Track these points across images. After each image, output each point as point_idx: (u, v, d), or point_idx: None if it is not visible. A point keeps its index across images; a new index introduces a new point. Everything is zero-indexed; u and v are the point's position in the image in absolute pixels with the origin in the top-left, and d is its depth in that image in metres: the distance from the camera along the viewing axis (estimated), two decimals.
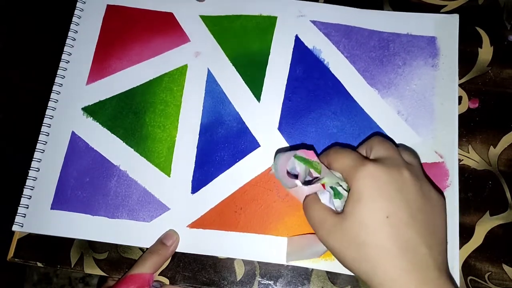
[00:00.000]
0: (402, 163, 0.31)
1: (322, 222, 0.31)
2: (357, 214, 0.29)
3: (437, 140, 0.40)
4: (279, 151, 0.40)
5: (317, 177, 0.34)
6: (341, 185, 0.32)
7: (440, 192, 0.33)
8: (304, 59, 0.43)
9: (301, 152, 0.34)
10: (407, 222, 0.28)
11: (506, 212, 0.38)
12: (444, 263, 0.29)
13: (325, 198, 0.32)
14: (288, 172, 0.34)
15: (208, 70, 0.43)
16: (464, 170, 0.39)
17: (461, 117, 0.40)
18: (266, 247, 0.38)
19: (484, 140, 0.40)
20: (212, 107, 0.42)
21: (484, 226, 0.38)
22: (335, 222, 0.30)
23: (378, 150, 0.32)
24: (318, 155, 0.34)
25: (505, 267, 0.37)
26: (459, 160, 0.39)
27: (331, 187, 0.32)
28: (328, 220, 0.30)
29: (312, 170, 0.34)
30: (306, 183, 0.33)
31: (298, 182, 0.33)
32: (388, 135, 0.40)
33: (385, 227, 0.28)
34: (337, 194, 0.32)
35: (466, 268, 0.37)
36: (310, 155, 0.33)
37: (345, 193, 0.32)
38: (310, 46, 0.43)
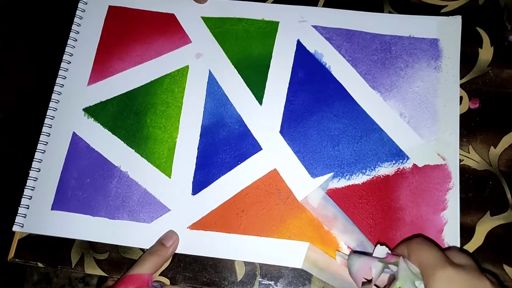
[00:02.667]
0: (481, 272, 0.30)
1: None
2: None
3: (440, 142, 0.40)
4: (353, 254, 0.36)
5: (393, 276, 0.33)
6: (416, 286, 0.31)
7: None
8: (306, 63, 0.43)
9: (388, 259, 0.33)
10: None
11: (506, 212, 0.38)
12: None
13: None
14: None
15: (210, 72, 0.43)
16: (464, 170, 0.39)
17: (462, 117, 0.40)
18: (268, 250, 0.38)
19: (485, 140, 0.40)
20: (213, 109, 0.42)
21: (484, 226, 0.38)
22: None
23: (457, 256, 0.31)
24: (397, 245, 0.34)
25: (506, 267, 0.37)
26: (460, 161, 0.39)
27: None
28: None
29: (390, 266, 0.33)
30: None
31: None
32: (391, 137, 0.40)
33: None
34: None
35: None
36: (388, 258, 0.33)
37: None
38: (311, 50, 0.43)
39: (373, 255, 0.33)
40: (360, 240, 0.37)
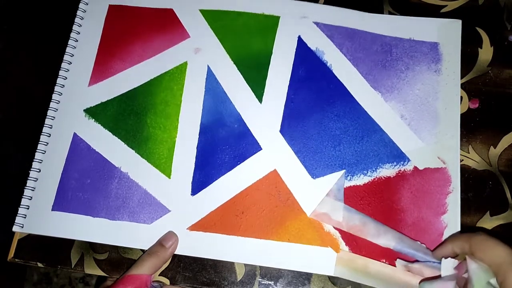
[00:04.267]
0: None
1: None
2: None
3: (440, 145, 0.39)
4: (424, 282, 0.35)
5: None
6: (491, 284, 0.31)
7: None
8: (306, 60, 0.43)
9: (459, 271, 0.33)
10: None
11: (506, 212, 0.38)
12: None
13: None
14: None
15: (208, 67, 0.43)
16: (464, 170, 0.39)
17: (461, 117, 0.40)
18: (268, 252, 0.38)
19: (484, 140, 0.40)
20: (212, 106, 0.42)
21: (484, 226, 0.38)
22: None
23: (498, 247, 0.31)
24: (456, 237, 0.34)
25: None
26: (460, 161, 0.39)
27: None
28: None
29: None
30: None
31: None
32: (392, 139, 0.40)
33: None
34: None
35: None
36: (459, 272, 0.33)
37: None
38: (313, 48, 0.43)
39: (442, 273, 0.33)
40: (397, 238, 0.37)
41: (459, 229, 0.37)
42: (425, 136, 0.40)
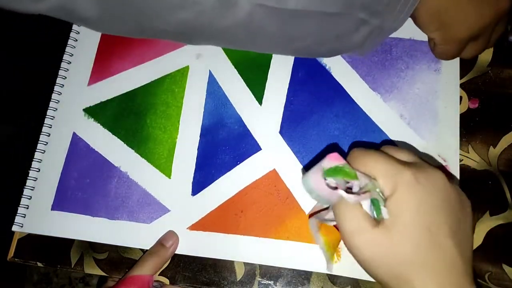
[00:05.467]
0: (429, 164, 0.28)
1: (359, 232, 0.27)
2: (400, 228, 0.26)
3: (440, 143, 0.39)
4: (303, 172, 0.35)
5: (357, 186, 0.29)
6: (380, 194, 0.28)
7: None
8: (306, 63, 0.43)
9: (327, 162, 0.28)
10: (449, 236, 0.26)
11: (506, 212, 0.38)
12: (472, 275, 0.28)
13: (366, 204, 0.28)
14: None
15: (210, 72, 0.43)
16: (464, 170, 0.39)
17: (461, 117, 0.40)
18: (267, 250, 0.38)
19: (484, 140, 0.40)
20: (213, 109, 0.42)
21: (484, 226, 0.38)
22: (375, 234, 0.27)
23: (398, 153, 0.29)
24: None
25: (505, 267, 0.37)
26: (459, 160, 0.39)
27: (372, 200, 0.28)
28: (367, 231, 0.27)
29: (347, 179, 0.29)
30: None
31: (342, 192, 0.28)
32: (391, 138, 0.40)
33: (429, 244, 0.26)
34: (377, 209, 0.28)
35: None
36: (336, 158, 0.29)
37: (382, 205, 0.28)
38: None
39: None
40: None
41: None
42: (425, 135, 0.40)
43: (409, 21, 0.43)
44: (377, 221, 0.27)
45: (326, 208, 0.32)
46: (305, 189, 0.29)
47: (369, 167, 0.28)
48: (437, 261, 0.26)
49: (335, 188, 0.28)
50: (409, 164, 0.28)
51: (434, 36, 0.38)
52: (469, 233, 0.29)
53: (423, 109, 0.41)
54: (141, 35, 0.38)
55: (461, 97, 0.41)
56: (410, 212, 0.26)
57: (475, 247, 0.37)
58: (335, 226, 0.32)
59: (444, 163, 0.39)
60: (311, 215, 0.33)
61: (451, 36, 0.37)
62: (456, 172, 0.39)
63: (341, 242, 0.37)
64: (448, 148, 0.39)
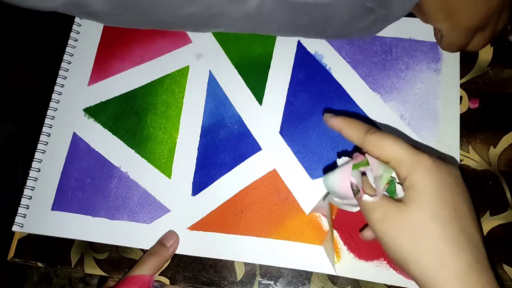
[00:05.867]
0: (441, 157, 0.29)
1: (377, 206, 0.28)
2: (424, 204, 0.26)
3: (441, 143, 0.39)
4: (326, 172, 0.34)
5: (369, 171, 0.30)
6: (393, 178, 0.29)
7: None
8: (306, 64, 0.43)
9: (355, 160, 0.30)
10: (469, 217, 0.27)
11: (506, 212, 0.38)
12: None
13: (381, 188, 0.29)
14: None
15: (210, 72, 0.43)
16: (464, 170, 0.39)
17: (461, 117, 0.40)
18: (267, 250, 0.38)
19: (484, 140, 0.40)
20: (213, 109, 0.42)
21: (484, 226, 0.38)
22: (394, 208, 0.27)
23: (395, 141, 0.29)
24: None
25: (506, 267, 0.37)
26: (460, 160, 0.39)
27: (390, 182, 0.29)
28: (385, 205, 0.28)
29: (361, 168, 0.30)
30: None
31: (366, 197, 0.29)
32: None
33: (454, 220, 0.26)
34: (391, 192, 0.29)
35: None
36: (359, 156, 0.30)
37: (399, 189, 0.29)
38: (312, 51, 0.43)
39: (339, 165, 0.31)
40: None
41: None
42: (425, 135, 0.40)
43: (409, 20, 0.43)
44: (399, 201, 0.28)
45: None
46: (326, 186, 0.31)
47: (387, 149, 0.28)
48: (466, 245, 0.26)
49: (356, 188, 0.29)
50: (424, 152, 0.28)
51: (442, 25, 0.38)
52: (477, 217, 0.29)
53: (423, 109, 0.41)
54: (150, 27, 0.39)
55: (461, 97, 0.41)
56: (432, 192, 0.27)
57: None
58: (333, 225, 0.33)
59: None
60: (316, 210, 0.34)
61: (459, 24, 0.36)
62: None
63: (340, 242, 0.37)
64: (448, 148, 0.39)
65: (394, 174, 0.29)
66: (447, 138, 0.39)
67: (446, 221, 0.26)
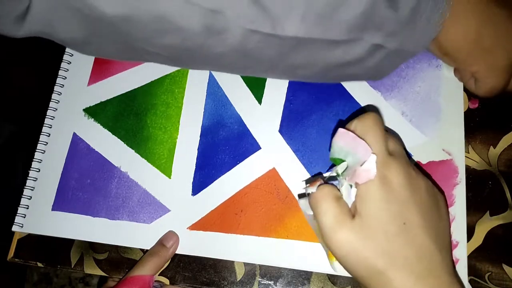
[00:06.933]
0: (406, 159, 0.29)
1: (338, 226, 0.27)
2: (373, 218, 0.27)
3: (444, 138, 0.39)
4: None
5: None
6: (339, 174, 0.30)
7: (436, 186, 0.31)
8: None
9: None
10: (421, 227, 0.27)
11: (506, 212, 0.38)
12: (453, 266, 0.28)
13: (346, 191, 0.29)
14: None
15: (210, 72, 0.43)
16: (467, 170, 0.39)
17: None
18: (267, 250, 0.38)
19: (484, 140, 0.40)
20: (213, 109, 0.42)
21: (484, 226, 0.38)
22: (352, 226, 0.27)
23: (391, 141, 0.29)
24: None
25: (505, 267, 0.37)
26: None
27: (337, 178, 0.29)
28: (345, 225, 0.27)
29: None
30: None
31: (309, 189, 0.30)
32: None
33: (402, 233, 0.26)
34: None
35: (467, 268, 0.37)
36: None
37: (352, 192, 0.29)
38: None
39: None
40: None
41: (465, 220, 0.37)
42: (428, 131, 0.40)
43: None
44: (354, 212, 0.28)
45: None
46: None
47: (367, 140, 0.28)
48: (414, 257, 0.26)
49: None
50: (391, 156, 0.28)
51: (477, 68, 0.34)
52: (446, 229, 0.29)
53: (425, 105, 0.40)
54: (132, 58, 0.36)
55: None
56: (383, 203, 0.27)
57: (475, 247, 0.37)
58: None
59: (448, 157, 0.39)
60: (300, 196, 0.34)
61: (497, 64, 0.33)
62: (462, 165, 0.38)
63: None
64: (452, 142, 0.39)
65: (340, 171, 0.29)
66: (451, 131, 0.39)
67: (395, 236, 0.26)
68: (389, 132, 0.31)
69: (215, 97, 0.42)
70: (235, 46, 0.31)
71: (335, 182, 0.31)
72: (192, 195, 0.40)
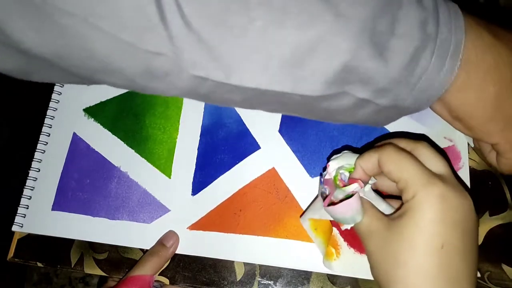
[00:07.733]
0: (459, 184, 0.27)
1: (373, 234, 0.27)
2: (410, 231, 0.26)
3: (444, 125, 0.39)
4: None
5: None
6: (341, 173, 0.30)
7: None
8: None
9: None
10: (460, 253, 0.25)
11: (505, 212, 0.38)
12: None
13: (379, 204, 0.30)
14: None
15: None
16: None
17: None
18: (266, 249, 0.38)
19: None
20: (213, 109, 0.42)
21: (483, 226, 0.38)
22: (383, 227, 0.27)
23: (432, 161, 0.27)
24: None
25: (505, 267, 0.37)
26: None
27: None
28: (380, 233, 0.27)
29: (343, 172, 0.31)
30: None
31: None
32: (391, 131, 0.40)
33: (436, 254, 0.25)
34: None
35: None
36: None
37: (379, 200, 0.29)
38: None
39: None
40: None
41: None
42: (429, 122, 0.39)
43: None
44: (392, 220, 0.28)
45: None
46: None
47: (400, 168, 0.27)
48: (446, 280, 0.25)
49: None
50: (439, 177, 0.26)
51: (498, 140, 0.29)
52: (476, 253, 0.27)
53: None
54: (80, 81, 0.31)
55: None
56: (426, 221, 0.25)
57: None
58: (331, 221, 0.33)
59: (450, 143, 0.39)
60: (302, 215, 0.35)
61: None
62: (464, 149, 0.39)
63: (340, 239, 0.37)
64: (453, 128, 0.39)
65: (342, 170, 0.30)
66: None
67: (427, 254, 0.25)
68: (431, 150, 0.29)
69: None
70: (187, 90, 0.27)
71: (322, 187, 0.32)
72: (192, 195, 0.40)
